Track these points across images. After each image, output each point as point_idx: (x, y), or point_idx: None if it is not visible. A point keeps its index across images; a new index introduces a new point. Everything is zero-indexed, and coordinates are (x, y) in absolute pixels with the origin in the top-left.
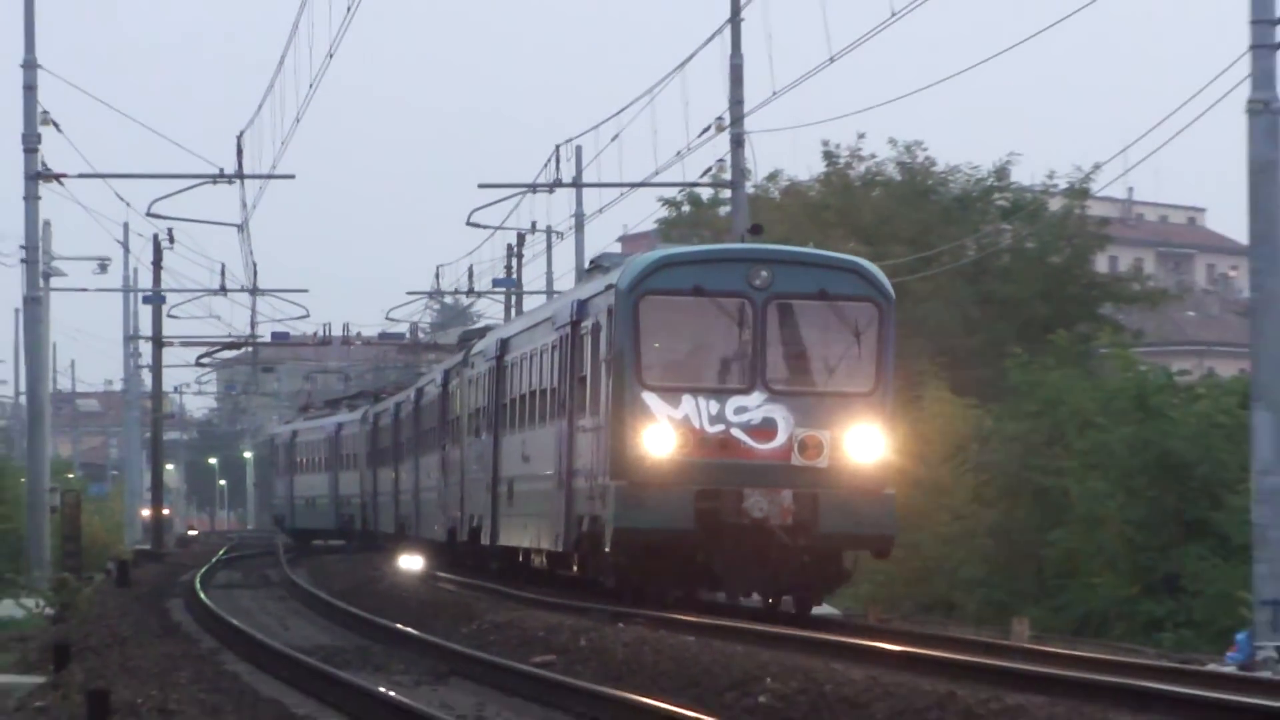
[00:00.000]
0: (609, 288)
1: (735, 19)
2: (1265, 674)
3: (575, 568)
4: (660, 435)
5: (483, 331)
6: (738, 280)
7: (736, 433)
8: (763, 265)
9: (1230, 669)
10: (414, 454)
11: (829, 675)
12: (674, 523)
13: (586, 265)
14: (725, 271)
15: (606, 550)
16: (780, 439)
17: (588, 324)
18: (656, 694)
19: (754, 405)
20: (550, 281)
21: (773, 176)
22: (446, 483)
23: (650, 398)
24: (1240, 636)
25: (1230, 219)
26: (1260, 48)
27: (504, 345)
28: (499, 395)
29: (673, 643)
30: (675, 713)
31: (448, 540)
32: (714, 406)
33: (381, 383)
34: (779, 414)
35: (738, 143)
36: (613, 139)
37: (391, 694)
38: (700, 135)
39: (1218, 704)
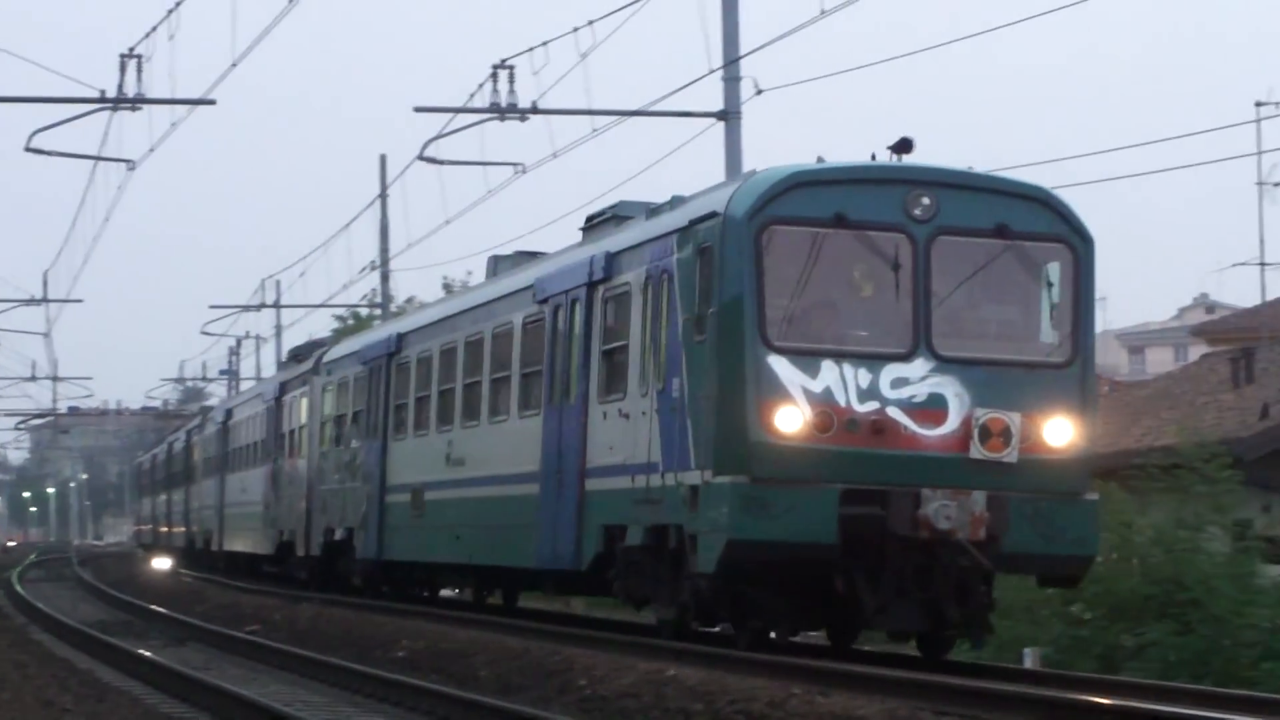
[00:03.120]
0: (706, 218)
1: (383, 194)
2: None
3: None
4: (793, 414)
5: (315, 344)
6: (893, 208)
7: (894, 413)
8: (924, 189)
9: None
10: (219, 472)
11: (445, 636)
12: (811, 534)
13: (585, 221)
14: (875, 196)
15: (708, 572)
16: (952, 423)
17: (630, 280)
18: (328, 652)
19: (917, 376)
20: (259, 371)
21: (409, 300)
22: (278, 496)
23: (779, 363)
24: None
25: None
26: None
27: (400, 341)
28: (390, 396)
29: (340, 616)
30: (340, 665)
31: (276, 553)
32: (865, 377)
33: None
34: (950, 389)
35: (385, 278)
36: (300, 275)
37: (147, 654)
38: (360, 272)
39: None
